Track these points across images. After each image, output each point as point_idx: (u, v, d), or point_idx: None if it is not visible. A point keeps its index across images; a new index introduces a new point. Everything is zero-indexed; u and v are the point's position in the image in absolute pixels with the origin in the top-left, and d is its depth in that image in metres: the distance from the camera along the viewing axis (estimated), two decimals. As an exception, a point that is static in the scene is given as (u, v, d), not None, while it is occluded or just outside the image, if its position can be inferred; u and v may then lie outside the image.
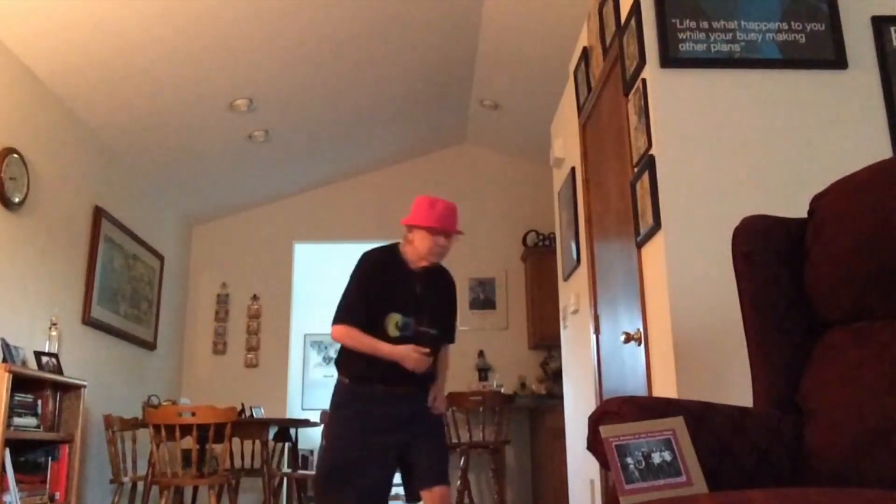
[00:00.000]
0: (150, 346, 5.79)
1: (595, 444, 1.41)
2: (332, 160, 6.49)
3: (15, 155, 3.90)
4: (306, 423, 5.28)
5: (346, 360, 2.70)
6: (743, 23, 2.59)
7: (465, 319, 6.59)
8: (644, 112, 2.58)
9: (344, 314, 2.65)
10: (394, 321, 2.61)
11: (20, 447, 3.59)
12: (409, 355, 2.58)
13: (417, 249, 2.68)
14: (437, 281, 2.77)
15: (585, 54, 3.60)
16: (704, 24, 2.60)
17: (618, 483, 1.25)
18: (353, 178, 6.91)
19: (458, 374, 6.40)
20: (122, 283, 5.27)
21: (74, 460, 3.91)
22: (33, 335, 4.09)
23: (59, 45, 3.97)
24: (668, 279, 2.39)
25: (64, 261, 4.48)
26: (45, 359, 4.01)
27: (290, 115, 5.44)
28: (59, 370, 4.08)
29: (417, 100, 5.82)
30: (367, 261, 2.71)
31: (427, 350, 2.60)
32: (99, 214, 4.89)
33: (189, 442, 4.16)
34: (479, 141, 6.87)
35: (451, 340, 2.91)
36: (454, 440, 4.99)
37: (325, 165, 6.54)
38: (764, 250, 1.66)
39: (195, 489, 4.99)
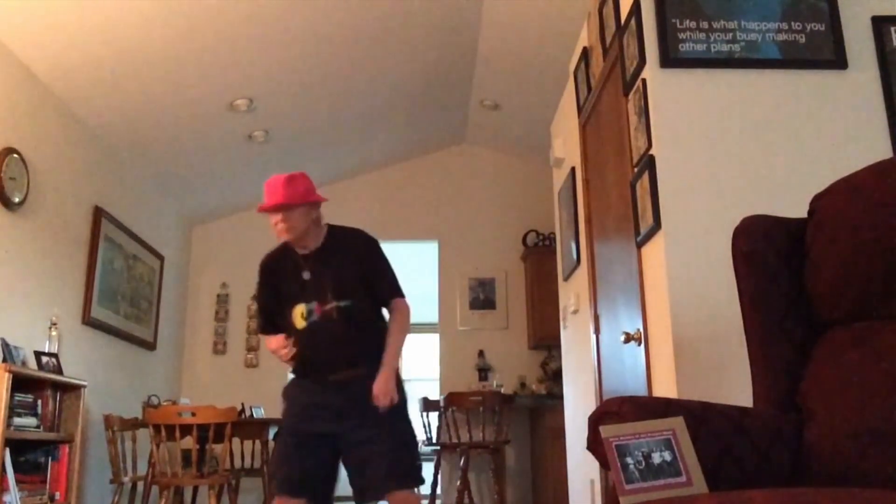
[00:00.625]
0: (150, 346, 5.79)
1: (595, 444, 1.41)
2: (332, 160, 6.49)
3: (15, 155, 3.90)
4: (306, 423, 5.26)
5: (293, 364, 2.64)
6: (743, 23, 2.59)
7: (466, 319, 6.59)
8: (644, 112, 2.58)
9: (258, 329, 2.75)
10: (298, 313, 2.50)
11: (20, 447, 3.59)
12: (272, 349, 2.54)
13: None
14: (336, 251, 2.56)
15: (585, 54, 3.60)
16: (704, 24, 2.60)
17: (618, 483, 1.25)
18: (353, 178, 6.91)
19: (458, 374, 6.41)
20: (122, 283, 5.27)
21: (74, 460, 3.91)
22: (33, 335, 4.09)
23: (59, 45, 3.97)
24: (668, 279, 2.39)
25: (64, 261, 4.48)
26: (45, 359, 4.01)
27: (290, 115, 5.44)
28: (59, 370, 4.08)
29: (417, 100, 5.82)
30: (259, 272, 2.65)
31: (285, 340, 2.47)
32: (99, 214, 4.88)
33: (189, 442, 4.16)
34: (478, 141, 6.87)
35: (388, 295, 2.61)
36: (454, 440, 4.99)
37: (325, 165, 6.54)
38: (764, 250, 1.66)
39: (195, 489, 4.99)
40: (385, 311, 2.64)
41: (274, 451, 2.56)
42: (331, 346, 2.49)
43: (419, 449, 2.59)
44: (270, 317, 2.62)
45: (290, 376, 2.69)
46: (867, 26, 2.62)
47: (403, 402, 2.54)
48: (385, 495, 2.41)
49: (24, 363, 3.81)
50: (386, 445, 2.42)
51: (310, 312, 2.48)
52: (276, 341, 2.50)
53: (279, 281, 2.57)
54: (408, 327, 2.61)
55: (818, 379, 1.55)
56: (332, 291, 2.48)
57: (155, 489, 4.32)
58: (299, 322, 2.49)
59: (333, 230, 2.61)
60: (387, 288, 2.61)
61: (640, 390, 2.64)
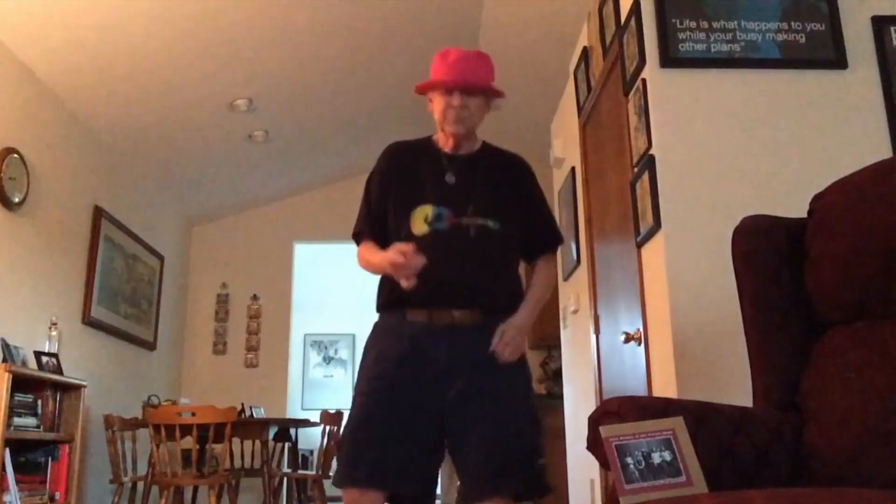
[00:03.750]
0: (150, 346, 5.79)
1: (595, 444, 1.41)
2: (332, 160, 6.49)
3: (15, 155, 3.90)
4: (306, 423, 5.27)
5: (378, 288, 1.98)
6: (743, 23, 2.59)
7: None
8: (644, 112, 2.58)
9: (354, 232, 2.04)
10: (421, 215, 1.90)
11: (20, 447, 3.58)
12: (388, 258, 1.78)
13: (439, 125, 2.03)
14: (496, 166, 2.02)
15: (585, 54, 3.60)
16: (704, 24, 2.60)
17: (618, 483, 1.25)
18: (353, 178, 6.89)
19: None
20: (122, 283, 5.27)
21: (74, 460, 3.91)
22: (33, 335, 4.09)
23: (59, 45, 3.97)
24: (668, 279, 2.39)
25: (64, 261, 4.48)
26: (45, 359, 4.01)
27: (290, 115, 5.44)
28: (59, 370, 4.08)
29: (418, 99, 5.80)
30: (381, 156, 2.09)
31: (415, 252, 1.75)
32: (99, 214, 4.88)
33: (189, 442, 4.16)
34: (479, 141, 6.87)
35: (549, 240, 2.06)
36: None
37: (325, 165, 6.54)
38: (764, 250, 1.66)
39: (195, 489, 4.99)
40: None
41: (348, 425, 1.83)
42: (452, 267, 1.84)
43: (542, 445, 1.86)
44: (377, 216, 1.99)
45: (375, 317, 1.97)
46: (867, 26, 2.61)
47: (530, 378, 1.95)
48: (478, 500, 1.75)
49: (24, 363, 3.81)
50: (498, 432, 1.76)
51: (437, 217, 1.89)
52: (393, 252, 1.76)
53: (408, 174, 1.99)
54: (552, 286, 2.06)
55: (818, 379, 1.54)
56: (476, 205, 1.91)
57: (155, 489, 4.32)
58: (419, 227, 1.89)
59: (491, 146, 2.09)
60: (554, 229, 2.09)
61: (640, 390, 2.64)
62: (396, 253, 1.75)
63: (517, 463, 1.77)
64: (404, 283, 1.77)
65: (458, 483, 1.87)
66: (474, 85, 1.95)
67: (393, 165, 2.05)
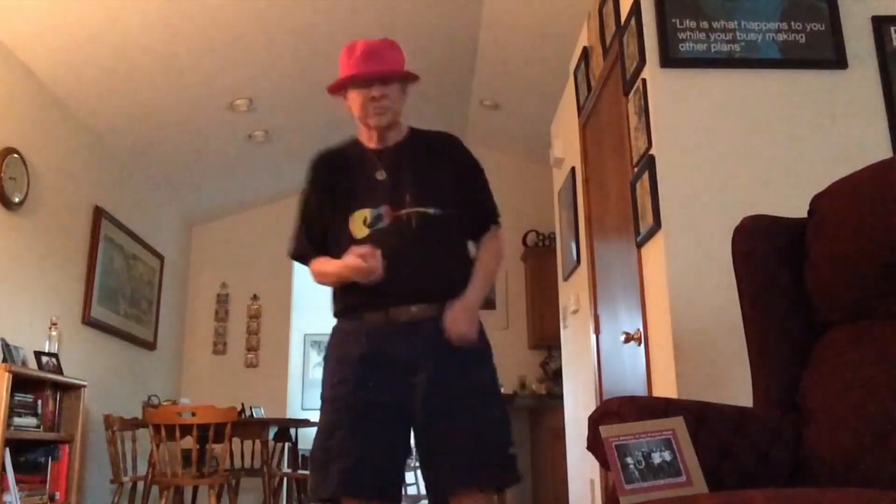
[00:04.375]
0: (150, 346, 5.79)
1: (595, 444, 1.41)
2: (332, 160, 6.49)
3: (15, 155, 3.90)
4: (306, 423, 5.27)
5: (332, 295, 1.95)
6: (743, 23, 2.59)
7: (465, 319, 6.58)
8: (644, 112, 2.58)
9: (295, 254, 2.03)
10: (360, 218, 1.86)
11: (20, 447, 3.58)
12: (350, 264, 1.76)
13: (359, 121, 1.97)
14: (425, 151, 1.97)
15: (585, 54, 3.60)
16: (704, 24, 2.60)
17: (618, 483, 1.25)
18: (353, 178, 6.91)
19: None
20: (122, 283, 5.27)
21: (74, 460, 3.91)
22: (33, 335, 4.09)
23: (59, 45, 3.97)
24: (668, 279, 2.39)
25: (64, 261, 4.48)
26: (45, 359, 4.01)
27: (290, 115, 5.44)
28: (59, 370, 4.08)
29: (417, 99, 5.81)
30: (308, 169, 2.02)
31: (372, 252, 1.75)
32: (99, 214, 4.88)
33: (189, 442, 4.16)
34: (479, 141, 6.86)
35: (486, 213, 1.99)
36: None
37: (325, 165, 6.54)
38: (764, 250, 1.66)
39: (195, 489, 4.99)
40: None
41: (317, 435, 1.81)
42: (401, 262, 1.79)
43: (511, 434, 1.85)
44: (314, 230, 1.97)
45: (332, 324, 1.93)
46: (867, 26, 2.61)
47: (493, 368, 1.89)
48: (454, 494, 1.73)
49: (24, 363, 3.81)
50: (469, 425, 1.74)
51: (376, 218, 1.85)
52: (352, 256, 1.75)
53: (338, 180, 1.95)
54: (501, 259, 1.99)
55: (818, 379, 1.55)
56: (412, 194, 1.86)
57: (155, 489, 4.32)
58: (359, 230, 1.85)
59: (417, 130, 2.04)
60: (487, 208, 2.00)
61: (640, 390, 2.64)
62: (355, 257, 1.75)
63: (490, 453, 1.75)
64: (363, 279, 1.77)
65: (425, 478, 1.83)
66: (389, 73, 1.90)
67: (322, 176, 2.00)
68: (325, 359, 1.90)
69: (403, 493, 4.68)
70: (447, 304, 1.80)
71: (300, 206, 2.03)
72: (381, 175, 1.91)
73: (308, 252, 1.98)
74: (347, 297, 1.86)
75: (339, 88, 1.99)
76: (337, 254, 1.85)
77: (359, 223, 1.87)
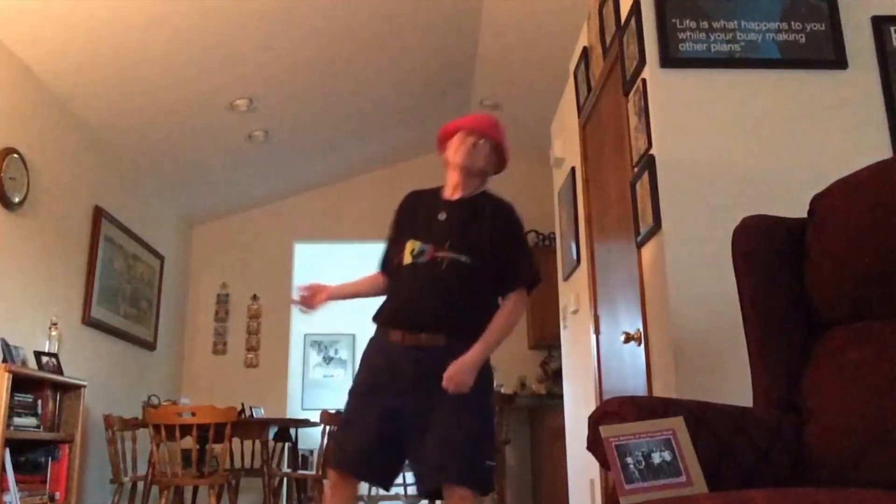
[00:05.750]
0: (150, 346, 5.79)
1: (595, 444, 1.41)
2: (332, 160, 6.49)
3: (15, 155, 3.90)
4: (306, 423, 5.28)
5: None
6: (743, 23, 2.59)
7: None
8: (644, 112, 2.58)
9: (378, 264, 2.49)
10: (410, 248, 2.26)
11: (20, 447, 3.59)
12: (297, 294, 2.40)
13: (451, 162, 2.36)
14: (482, 209, 2.33)
15: (585, 54, 3.60)
16: (704, 24, 2.60)
17: (618, 483, 1.25)
18: (353, 178, 6.90)
19: (458, 374, 6.40)
20: (122, 283, 5.27)
21: (74, 460, 3.91)
22: (33, 335, 4.09)
23: (59, 45, 3.97)
24: (668, 279, 2.39)
25: (64, 261, 4.48)
26: (45, 359, 4.01)
27: (290, 115, 5.44)
28: (59, 370, 4.08)
29: (417, 99, 5.82)
30: (402, 200, 2.48)
31: (307, 287, 2.37)
32: (99, 214, 4.88)
33: (189, 442, 4.16)
34: (479, 141, 6.87)
35: (516, 274, 2.27)
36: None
37: (325, 165, 6.54)
38: (764, 250, 1.66)
39: (195, 489, 4.99)
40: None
41: (340, 420, 2.31)
42: (421, 296, 2.20)
43: (490, 453, 2.20)
44: (391, 253, 2.41)
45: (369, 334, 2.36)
46: (867, 26, 2.61)
47: (485, 395, 2.22)
48: (445, 488, 2.07)
49: (24, 363, 3.81)
50: (454, 428, 2.08)
51: (420, 252, 2.25)
52: (301, 286, 2.41)
53: (413, 214, 2.38)
54: (517, 319, 2.27)
55: (818, 379, 1.55)
56: (452, 241, 2.23)
57: (155, 489, 4.32)
58: (406, 257, 2.27)
59: (487, 193, 2.42)
60: (517, 268, 2.29)
61: (640, 390, 2.64)
62: (310, 285, 2.41)
63: (465, 458, 2.08)
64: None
65: (415, 477, 2.18)
66: (490, 134, 2.37)
67: (403, 208, 2.45)
68: (361, 359, 2.32)
69: (404, 493, 4.67)
70: (451, 337, 2.17)
71: (389, 230, 2.48)
72: (442, 216, 2.32)
73: (380, 267, 2.46)
74: (383, 311, 2.30)
75: (451, 132, 2.41)
76: (393, 271, 2.35)
77: (408, 252, 2.27)
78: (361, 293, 2.49)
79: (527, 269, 2.30)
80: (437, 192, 2.41)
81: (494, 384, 2.37)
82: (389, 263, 2.39)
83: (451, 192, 2.37)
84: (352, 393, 2.25)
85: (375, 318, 2.31)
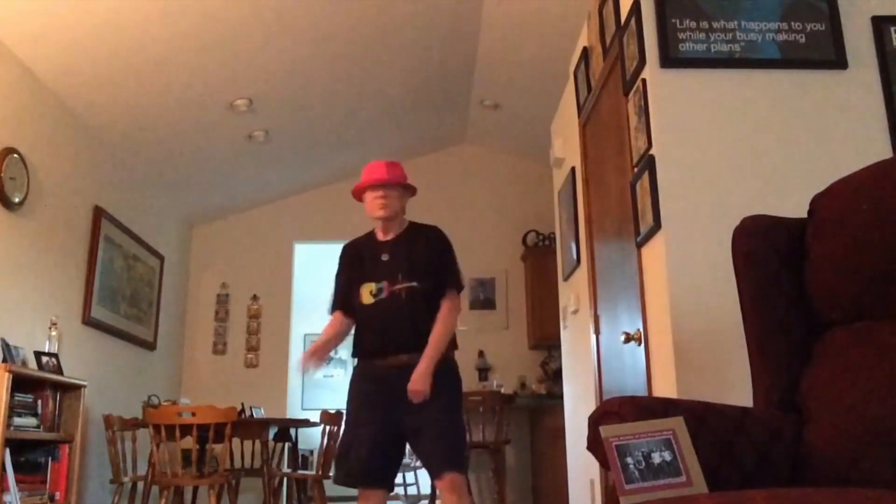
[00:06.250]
0: (150, 346, 5.79)
1: (595, 444, 1.41)
2: (332, 160, 6.49)
3: (15, 155, 3.90)
4: (306, 423, 5.27)
5: (353, 341, 2.78)
6: (743, 23, 2.59)
7: (465, 319, 6.58)
8: (644, 112, 2.58)
9: (329, 307, 2.87)
10: (367, 290, 2.69)
11: (20, 447, 3.59)
12: (303, 354, 2.77)
13: (373, 217, 2.78)
14: (415, 240, 2.77)
15: (585, 54, 3.60)
16: (704, 24, 2.60)
17: (618, 483, 1.25)
18: (353, 178, 6.83)
19: (458, 374, 6.40)
20: (122, 283, 5.27)
21: (74, 460, 3.91)
22: (33, 335, 4.09)
23: (59, 45, 3.97)
24: (668, 279, 2.39)
25: (64, 261, 4.48)
26: (45, 359, 4.01)
27: (290, 115, 5.44)
28: (59, 370, 4.08)
29: (418, 100, 5.82)
30: (341, 253, 2.89)
31: (308, 357, 2.73)
32: (99, 214, 4.88)
33: (189, 442, 4.16)
34: (479, 141, 6.87)
35: (446, 283, 2.74)
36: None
37: (325, 165, 6.54)
38: (764, 250, 1.66)
39: (195, 489, 4.99)
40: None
41: (340, 439, 2.76)
42: (392, 324, 2.63)
43: (461, 441, 2.70)
44: (340, 296, 2.81)
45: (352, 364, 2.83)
46: (867, 26, 2.61)
47: (454, 396, 2.68)
48: (437, 476, 2.59)
49: (24, 363, 3.81)
50: (436, 429, 2.57)
51: (379, 290, 2.66)
52: (302, 354, 2.84)
53: (356, 262, 2.79)
54: (451, 322, 2.70)
55: (818, 379, 1.55)
56: (404, 273, 2.66)
57: (155, 489, 4.33)
58: (367, 298, 2.67)
59: (414, 224, 2.84)
60: (446, 276, 2.73)
61: (640, 390, 2.64)
62: (302, 354, 2.78)
63: (451, 449, 2.58)
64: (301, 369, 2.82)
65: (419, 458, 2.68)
66: (391, 182, 2.73)
67: (347, 261, 2.85)
68: (349, 387, 2.73)
69: (404, 493, 4.67)
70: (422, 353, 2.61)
71: (335, 279, 2.87)
72: (385, 257, 2.74)
73: (335, 308, 2.84)
74: (363, 346, 2.71)
75: (359, 192, 2.79)
76: (354, 313, 2.76)
77: (366, 293, 2.68)
78: (340, 338, 2.85)
79: (456, 276, 2.76)
80: (370, 237, 2.83)
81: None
82: (346, 304, 2.77)
83: (384, 235, 2.79)
84: (348, 415, 2.70)
85: (355, 354, 2.73)
